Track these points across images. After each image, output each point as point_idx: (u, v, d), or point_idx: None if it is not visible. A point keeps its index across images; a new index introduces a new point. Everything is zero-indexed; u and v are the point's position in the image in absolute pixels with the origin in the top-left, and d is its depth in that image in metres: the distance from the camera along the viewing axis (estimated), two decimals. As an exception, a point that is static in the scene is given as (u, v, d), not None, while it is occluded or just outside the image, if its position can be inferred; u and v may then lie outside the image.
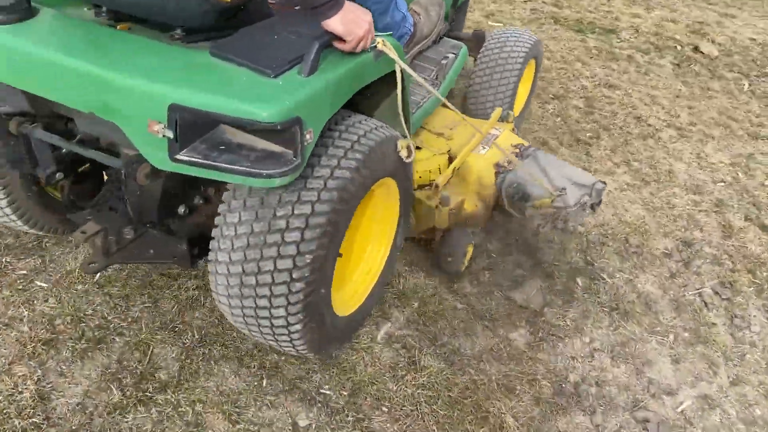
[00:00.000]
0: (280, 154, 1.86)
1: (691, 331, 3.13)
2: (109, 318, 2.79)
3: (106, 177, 2.75)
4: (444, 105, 3.20)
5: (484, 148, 3.25)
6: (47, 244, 3.12)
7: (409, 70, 2.36)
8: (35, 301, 2.83)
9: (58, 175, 2.52)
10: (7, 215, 2.70)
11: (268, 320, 2.17)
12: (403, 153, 2.44)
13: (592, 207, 3.05)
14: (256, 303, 2.13)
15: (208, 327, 2.80)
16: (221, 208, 2.10)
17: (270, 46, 1.99)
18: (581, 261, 3.44)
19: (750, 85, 5.98)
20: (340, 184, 2.06)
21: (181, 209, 2.43)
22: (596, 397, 2.76)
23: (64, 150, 2.48)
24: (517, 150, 3.25)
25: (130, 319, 2.80)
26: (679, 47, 6.52)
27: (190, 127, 1.82)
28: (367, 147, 2.18)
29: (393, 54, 2.26)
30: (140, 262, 2.89)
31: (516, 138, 3.39)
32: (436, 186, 2.95)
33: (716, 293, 3.36)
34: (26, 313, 2.75)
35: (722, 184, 4.30)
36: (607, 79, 5.61)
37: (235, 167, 1.81)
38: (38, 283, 2.92)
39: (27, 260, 3.03)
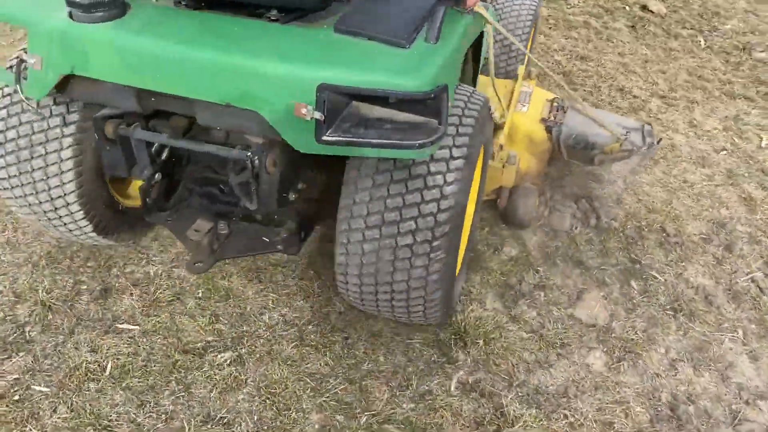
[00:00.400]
0: (423, 123, 1.86)
1: (757, 322, 2.98)
2: (140, 420, 2.31)
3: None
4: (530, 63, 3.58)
5: (523, 106, 3.28)
6: (31, 333, 2.57)
7: (502, 30, 2.49)
8: (41, 414, 2.30)
9: (157, 176, 2.44)
10: (81, 227, 2.53)
11: (405, 293, 2.19)
12: (497, 115, 2.49)
13: (659, 142, 3.31)
14: (392, 278, 2.13)
15: (260, 410, 2.37)
16: (346, 190, 2.08)
17: (388, 15, 1.99)
18: (627, 260, 3.21)
19: (705, 41, 5.95)
20: (464, 152, 2.04)
21: (292, 195, 2.39)
22: (695, 415, 2.54)
23: (154, 150, 2.40)
24: (556, 103, 3.31)
25: (164, 417, 2.33)
26: (627, 8, 6.41)
27: (338, 106, 1.83)
28: (475, 113, 2.14)
29: (487, 14, 2.31)
30: (244, 256, 2.79)
31: (547, 92, 3.42)
32: (501, 146, 3.03)
33: (766, 275, 3.22)
34: (36, 433, 2.23)
35: (724, 152, 4.20)
36: (576, 51, 5.41)
37: (387, 141, 1.81)
38: (37, 388, 2.39)
39: (14, 359, 2.48)
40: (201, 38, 1.91)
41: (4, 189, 2.41)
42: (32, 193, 2.38)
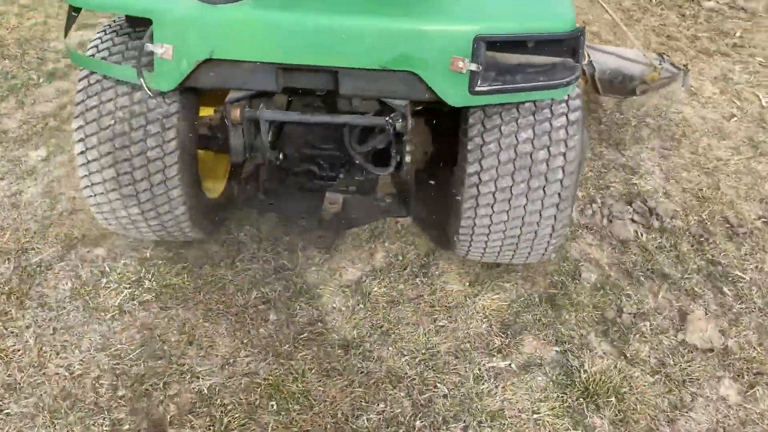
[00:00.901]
0: (560, 63, 1.96)
1: None
2: None
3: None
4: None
5: None
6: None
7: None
8: None
9: (281, 156, 2.47)
10: (179, 219, 2.43)
11: (534, 234, 2.34)
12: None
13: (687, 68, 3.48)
14: (523, 221, 2.26)
15: None
16: (472, 144, 2.15)
17: None
18: (705, 263, 2.97)
19: (654, -5, 5.82)
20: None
21: (408, 157, 2.41)
22: None
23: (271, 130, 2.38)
24: None
25: None
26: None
27: (490, 55, 1.89)
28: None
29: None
30: (360, 225, 2.86)
31: None
32: None
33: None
34: None
35: (735, 119, 4.05)
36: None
37: (537, 84, 1.90)
38: None
39: None
40: (348, 5, 1.90)
41: (93, 182, 2.30)
42: (129, 183, 2.27)
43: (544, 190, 2.17)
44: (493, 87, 1.88)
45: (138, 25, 2.22)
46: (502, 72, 1.91)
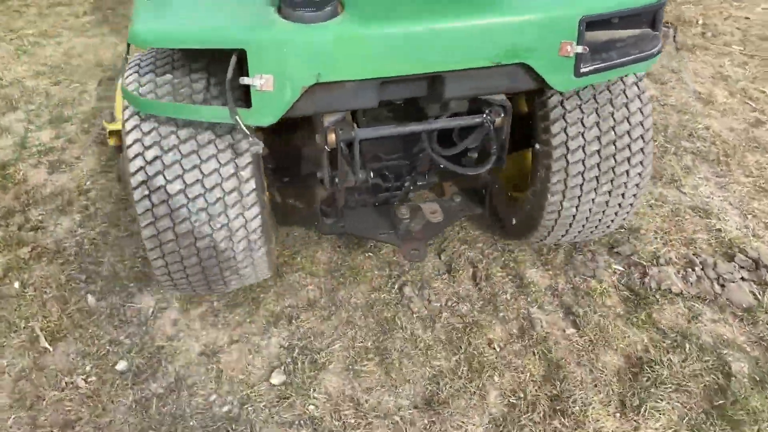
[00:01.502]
0: (643, 35, 2.01)
1: None
2: None
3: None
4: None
5: None
6: None
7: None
8: None
9: (371, 175, 2.38)
10: (258, 265, 2.26)
11: (619, 205, 2.38)
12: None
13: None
14: (611, 195, 2.32)
15: None
16: (555, 127, 2.19)
17: None
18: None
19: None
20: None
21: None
22: None
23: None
24: None
25: None
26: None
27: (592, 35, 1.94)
28: None
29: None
30: (444, 229, 2.80)
31: None
32: None
33: None
34: None
35: (765, 127, 3.75)
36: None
37: (630, 58, 1.95)
38: None
39: None
40: (447, 8, 1.83)
41: (160, 231, 2.02)
42: (207, 235, 2.04)
43: (629, 161, 2.25)
44: (595, 66, 1.91)
45: (195, 59, 1.98)
46: (597, 51, 1.93)
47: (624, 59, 1.93)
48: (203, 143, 1.96)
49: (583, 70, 1.90)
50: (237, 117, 1.76)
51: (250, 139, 1.83)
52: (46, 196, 3.21)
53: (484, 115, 2.12)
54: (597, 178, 2.25)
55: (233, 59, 1.71)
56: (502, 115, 2.13)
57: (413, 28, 1.77)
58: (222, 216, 2.02)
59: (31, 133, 3.70)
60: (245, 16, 1.79)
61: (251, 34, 1.71)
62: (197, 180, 1.96)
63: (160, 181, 1.95)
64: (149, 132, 1.97)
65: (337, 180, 2.20)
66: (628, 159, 2.24)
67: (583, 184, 2.25)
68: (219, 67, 1.89)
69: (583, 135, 2.18)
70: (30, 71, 4.39)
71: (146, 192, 1.95)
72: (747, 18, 5.11)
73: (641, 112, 2.22)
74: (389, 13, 1.81)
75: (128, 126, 1.99)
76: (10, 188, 3.27)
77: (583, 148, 2.20)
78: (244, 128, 1.78)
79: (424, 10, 1.82)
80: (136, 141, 1.97)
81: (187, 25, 1.78)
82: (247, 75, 1.71)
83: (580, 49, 1.84)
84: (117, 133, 2.81)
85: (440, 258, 2.83)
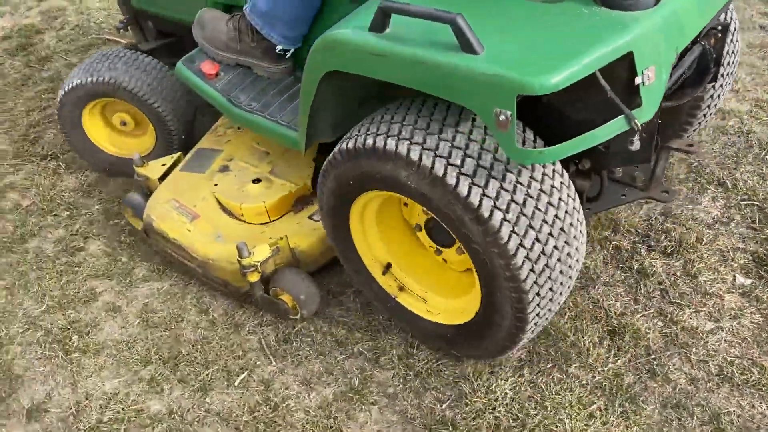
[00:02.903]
0: None
1: None
2: None
3: None
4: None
5: None
6: None
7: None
8: None
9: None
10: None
11: None
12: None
13: None
14: None
15: None
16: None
17: None
18: None
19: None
20: None
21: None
22: None
23: None
24: None
25: None
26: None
27: None
28: None
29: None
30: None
31: None
32: None
33: None
34: None
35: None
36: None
37: None
38: None
39: None
40: None
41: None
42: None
43: None
44: None
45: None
46: None
47: None
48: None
49: None
50: (635, 120, 1.68)
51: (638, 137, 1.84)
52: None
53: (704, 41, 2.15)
54: None
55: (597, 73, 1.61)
56: (720, 35, 2.17)
57: None
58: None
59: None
60: (588, 23, 1.68)
61: (629, 33, 1.63)
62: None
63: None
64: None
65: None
66: None
67: None
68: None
69: None
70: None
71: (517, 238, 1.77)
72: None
73: None
74: None
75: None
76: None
77: None
78: (637, 127, 1.69)
79: None
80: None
81: (572, 55, 1.57)
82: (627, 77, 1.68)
83: None
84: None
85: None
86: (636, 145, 1.88)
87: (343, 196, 2.08)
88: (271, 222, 2.57)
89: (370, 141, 1.85)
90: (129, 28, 3.26)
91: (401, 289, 2.30)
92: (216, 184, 2.66)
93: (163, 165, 2.82)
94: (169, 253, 2.68)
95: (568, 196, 1.88)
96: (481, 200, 1.71)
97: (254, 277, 2.36)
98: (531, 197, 1.77)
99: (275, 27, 2.40)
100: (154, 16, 3.12)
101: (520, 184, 1.77)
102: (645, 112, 1.71)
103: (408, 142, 1.78)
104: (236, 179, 2.67)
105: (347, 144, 1.94)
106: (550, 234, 1.80)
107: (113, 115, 3.13)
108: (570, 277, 1.93)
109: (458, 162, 1.74)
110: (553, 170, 1.87)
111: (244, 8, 2.46)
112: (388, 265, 2.30)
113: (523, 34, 1.68)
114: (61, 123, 3.12)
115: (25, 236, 3.03)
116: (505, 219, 1.73)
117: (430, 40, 1.66)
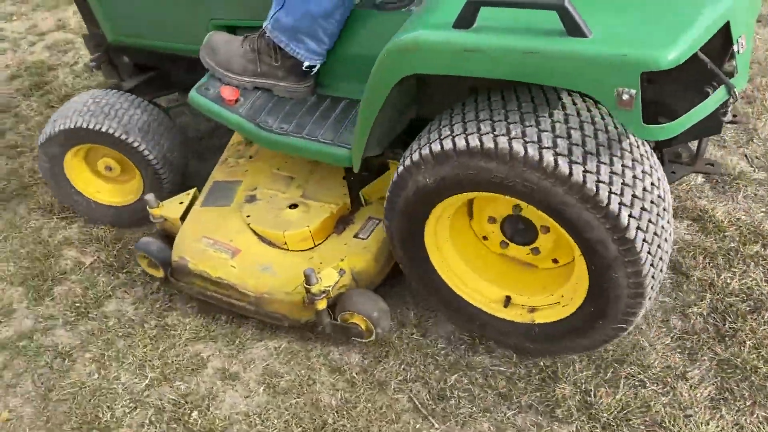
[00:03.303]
0: None
1: None
2: None
3: None
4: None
5: None
6: None
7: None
8: None
9: None
10: None
11: None
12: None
13: None
14: None
15: None
16: None
17: None
18: None
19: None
20: None
21: None
22: None
23: None
24: None
25: None
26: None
27: None
28: None
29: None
30: None
31: None
32: None
33: None
34: None
35: None
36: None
37: None
38: None
39: None
40: None
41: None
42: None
43: None
44: None
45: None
46: None
47: None
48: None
49: None
50: (734, 89, 1.69)
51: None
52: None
53: None
54: None
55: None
56: None
57: None
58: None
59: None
60: None
61: (726, 1, 1.65)
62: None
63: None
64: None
65: None
66: None
67: None
68: None
69: None
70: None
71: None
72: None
73: None
74: None
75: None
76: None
77: None
78: (737, 95, 1.71)
79: None
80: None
81: (684, 27, 1.59)
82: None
83: None
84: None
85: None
86: (729, 115, 1.89)
87: (424, 204, 2.01)
88: (316, 246, 2.44)
89: (473, 141, 1.79)
90: (101, 66, 2.99)
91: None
92: (248, 216, 2.50)
93: (181, 203, 2.62)
94: (209, 295, 2.47)
95: (661, 175, 1.91)
96: (597, 187, 1.70)
97: (323, 305, 2.22)
98: (638, 179, 1.79)
99: (302, 42, 2.28)
100: (135, 48, 2.88)
101: (626, 167, 1.77)
102: (740, 80, 1.75)
103: (507, 137, 1.76)
104: (269, 208, 2.52)
105: (436, 146, 1.86)
106: (658, 214, 1.82)
107: (98, 161, 2.87)
108: (668, 254, 1.96)
109: (566, 151, 1.72)
110: (646, 150, 1.89)
111: (264, 26, 2.33)
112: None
113: (621, 12, 1.67)
114: (44, 175, 2.89)
115: (100, 299, 2.68)
116: (622, 203, 1.72)
117: (525, 28, 1.65)
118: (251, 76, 2.45)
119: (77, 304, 2.67)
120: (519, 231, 2.16)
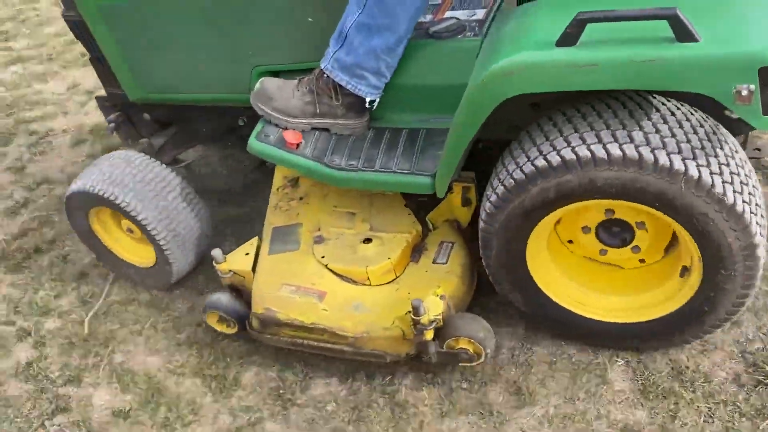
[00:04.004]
0: None
1: None
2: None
3: None
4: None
5: None
6: None
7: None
8: None
9: None
10: None
11: None
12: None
13: None
14: None
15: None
16: None
17: None
18: None
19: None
20: None
21: None
22: None
23: None
24: None
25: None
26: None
27: None
28: None
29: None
30: None
31: None
32: None
33: None
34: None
35: None
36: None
37: None
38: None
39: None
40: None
41: None
42: None
43: None
44: None
45: None
46: None
47: None
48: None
49: None
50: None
51: None
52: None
53: None
54: None
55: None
56: None
57: None
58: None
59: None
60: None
61: None
62: None
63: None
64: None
65: None
66: None
67: None
68: None
69: None
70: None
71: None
72: None
73: None
74: None
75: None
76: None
77: None
78: None
79: None
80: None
81: None
82: None
83: None
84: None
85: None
86: None
87: (531, 218, 2.03)
88: (398, 278, 2.40)
89: (598, 150, 1.82)
90: (120, 127, 2.93)
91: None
92: (323, 256, 2.45)
93: (247, 254, 2.55)
94: (300, 343, 2.40)
95: (750, 166, 1.97)
96: (724, 187, 1.77)
97: (431, 335, 2.20)
98: (748, 176, 1.88)
99: (363, 79, 2.28)
100: (159, 104, 2.85)
101: (738, 165, 1.85)
102: None
103: (632, 143, 1.81)
104: (342, 246, 2.48)
105: (548, 160, 1.89)
106: (765, 207, 1.91)
107: (121, 221, 2.79)
108: None
109: (691, 155, 1.77)
110: (734, 142, 1.94)
111: (322, 66, 2.32)
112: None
113: (714, 18, 1.75)
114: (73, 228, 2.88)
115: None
116: (745, 201, 1.80)
117: (633, 39, 1.72)
118: (310, 117, 2.44)
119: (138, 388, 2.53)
120: (613, 234, 2.19)
